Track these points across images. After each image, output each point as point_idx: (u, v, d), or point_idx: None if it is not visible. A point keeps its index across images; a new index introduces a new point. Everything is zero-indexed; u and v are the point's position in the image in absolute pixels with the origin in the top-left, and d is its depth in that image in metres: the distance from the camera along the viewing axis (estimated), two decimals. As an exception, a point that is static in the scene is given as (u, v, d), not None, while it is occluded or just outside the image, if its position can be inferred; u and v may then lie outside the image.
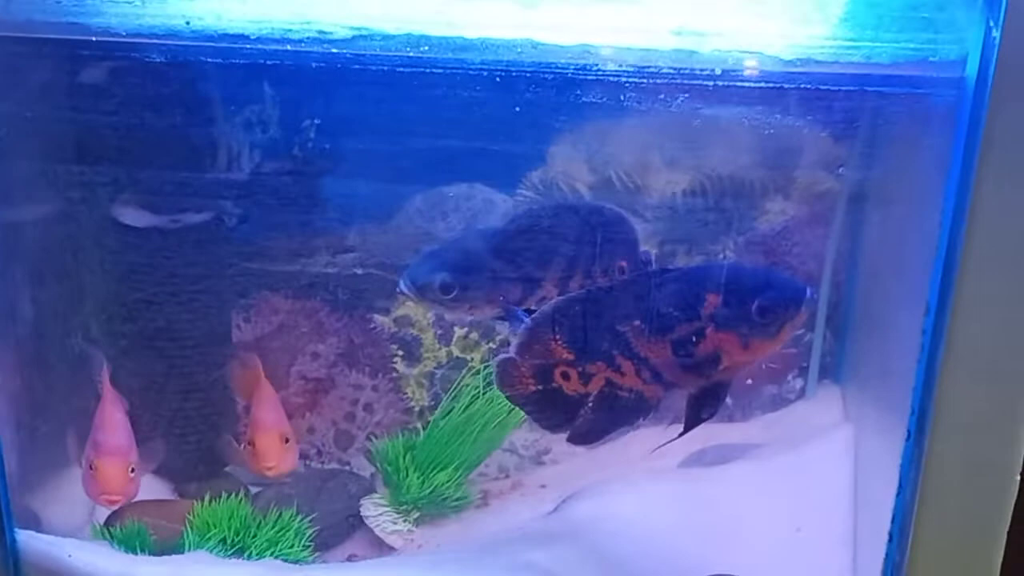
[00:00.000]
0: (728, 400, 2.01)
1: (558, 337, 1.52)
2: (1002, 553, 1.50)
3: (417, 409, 2.14)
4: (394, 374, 2.14)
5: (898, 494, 1.53)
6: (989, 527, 1.49)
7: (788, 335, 1.51)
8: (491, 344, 2.10)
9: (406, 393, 2.14)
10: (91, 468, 1.77)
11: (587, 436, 1.61)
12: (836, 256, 2.02)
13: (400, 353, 2.13)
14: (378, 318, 2.12)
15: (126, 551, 1.79)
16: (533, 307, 1.60)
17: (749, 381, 2.09)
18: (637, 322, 1.51)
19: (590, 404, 1.55)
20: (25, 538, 1.73)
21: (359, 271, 2.00)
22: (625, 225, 1.65)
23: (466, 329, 2.11)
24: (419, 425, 2.08)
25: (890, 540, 1.55)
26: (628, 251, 1.64)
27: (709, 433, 2.01)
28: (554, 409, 1.56)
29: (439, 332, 2.12)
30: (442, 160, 1.90)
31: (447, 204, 2.04)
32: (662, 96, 1.56)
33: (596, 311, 1.53)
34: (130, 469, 1.78)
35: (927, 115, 1.55)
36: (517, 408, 1.73)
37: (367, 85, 1.62)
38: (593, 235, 1.62)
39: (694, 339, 1.49)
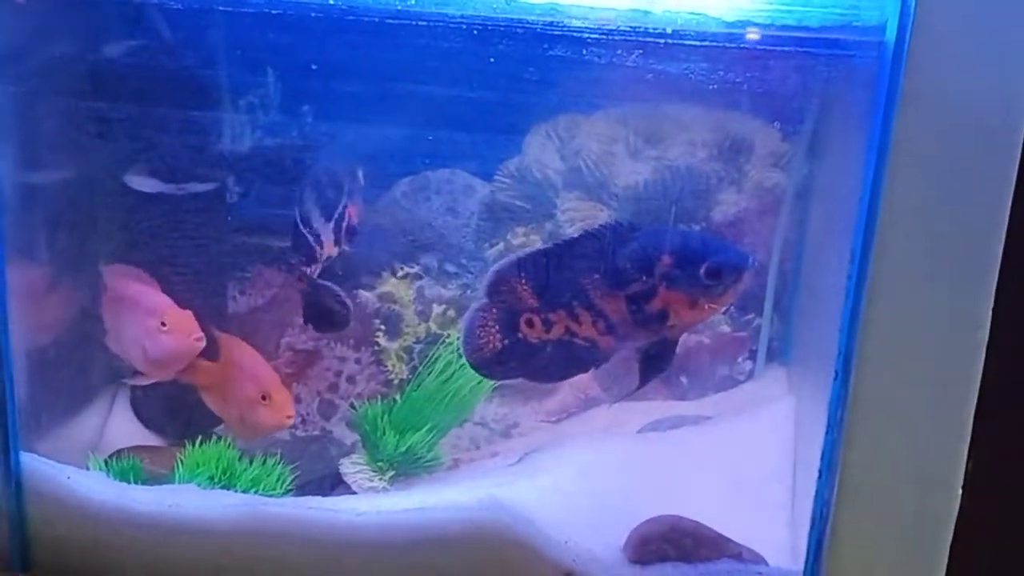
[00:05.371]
0: (683, 380, 2.18)
1: (524, 283, 1.67)
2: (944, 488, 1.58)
3: (396, 381, 2.20)
4: (376, 347, 2.22)
5: (827, 432, 1.61)
6: (911, 455, 1.57)
7: (732, 298, 1.63)
8: (468, 321, 2.20)
9: (387, 366, 2.22)
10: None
11: (545, 376, 1.78)
12: (783, 241, 2.13)
13: (382, 328, 2.22)
14: (363, 293, 2.20)
15: (120, 481, 1.89)
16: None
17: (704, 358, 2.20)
18: (596, 276, 1.64)
19: (550, 349, 1.69)
20: (28, 460, 1.82)
21: (346, 248, 2.07)
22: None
23: (444, 306, 2.21)
24: (398, 396, 2.13)
25: (820, 476, 1.63)
26: None
27: (664, 408, 2.16)
28: (519, 354, 1.71)
29: (419, 308, 2.20)
30: (424, 105, 2.02)
31: (430, 188, 2.19)
32: (620, 52, 1.72)
33: (558, 264, 1.67)
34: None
35: (851, 76, 1.71)
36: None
37: (360, 35, 1.78)
38: None
39: (646, 296, 1.62)
